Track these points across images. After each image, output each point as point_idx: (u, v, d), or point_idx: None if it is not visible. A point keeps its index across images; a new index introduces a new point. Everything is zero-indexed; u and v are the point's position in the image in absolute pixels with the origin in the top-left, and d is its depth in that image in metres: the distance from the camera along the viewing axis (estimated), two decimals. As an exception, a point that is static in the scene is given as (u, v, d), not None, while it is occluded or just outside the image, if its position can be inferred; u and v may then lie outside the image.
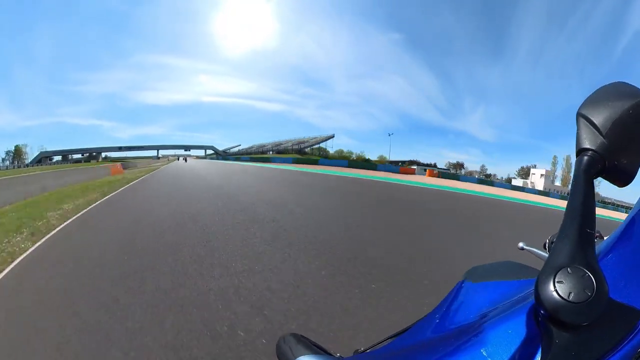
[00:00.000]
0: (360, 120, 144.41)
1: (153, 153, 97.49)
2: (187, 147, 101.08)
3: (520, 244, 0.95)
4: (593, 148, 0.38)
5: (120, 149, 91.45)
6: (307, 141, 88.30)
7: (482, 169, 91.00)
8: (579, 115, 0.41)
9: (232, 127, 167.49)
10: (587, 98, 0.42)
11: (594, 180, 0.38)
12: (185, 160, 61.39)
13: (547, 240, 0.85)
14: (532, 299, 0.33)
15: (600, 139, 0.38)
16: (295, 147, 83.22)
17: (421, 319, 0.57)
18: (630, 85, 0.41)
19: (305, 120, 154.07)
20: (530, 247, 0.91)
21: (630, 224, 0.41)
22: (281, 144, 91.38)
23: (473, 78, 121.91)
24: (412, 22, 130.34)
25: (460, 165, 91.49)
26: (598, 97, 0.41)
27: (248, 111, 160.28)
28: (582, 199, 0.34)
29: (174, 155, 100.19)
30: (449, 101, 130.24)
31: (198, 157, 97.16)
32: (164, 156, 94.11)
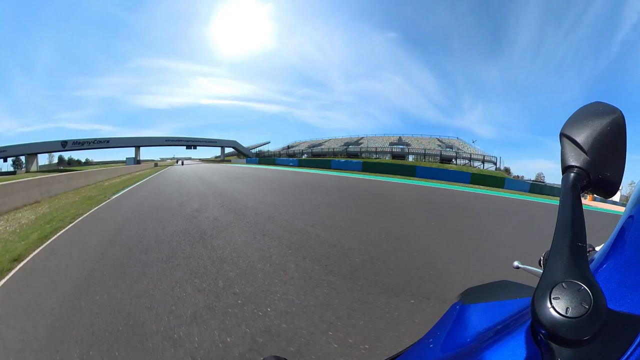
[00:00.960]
0: (360, 121, 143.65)
1: (129, 153, 59.71)
2: (191, 143, 64.63)
3: (516, 263, 0.93)
4: (578, 165, 0.41)
5: (64, 145, 52.05)
6: (356, 141, 62.01)
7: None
8: (562, 135, 0.44)
9: (232, 129, 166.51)
10: (568, 119, 0.45)
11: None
12: (182, 164, 48.42)
13: (542, 257, 0.82)
14: (529, 318, 0.31)
15: (583, 155, 0.41)
16: (342, 147, 58.68)
17: (415, 343, 0.56)
18: (606, 103, 0.45)
19: (304, 121, 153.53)
20: (526, 265, 0.91)
21: (621, 233, 0.43)
22: (320, 143, 66.87)
23: (471, 75, 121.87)
24: (408, 20, 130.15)
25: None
26: (578, 118, 0.44)
27: (247, 113, 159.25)
28: (572, 214, 0.35)
29: (173, 159, 76.38)
30: (448, 99, 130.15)
31: (208, 161, 74.18)
32: (149, 161, 59.29)
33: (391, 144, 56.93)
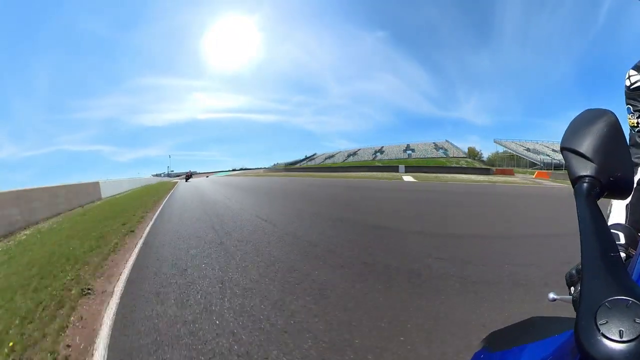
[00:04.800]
0: (356, 122, 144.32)
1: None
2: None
3: (551, 295, 0.72)
4: (586, 174, 0.41)
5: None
6: (380, 149, 67.47)
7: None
8: (563, 149, 0.44)
9: (230, 142, 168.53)
10: (564, 133, 0.46)
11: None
12: (187, 179, 37.17)
13: (566, 278, 0.66)
14: (576, 355, 0.26)
15: (589, 163, 0.41)
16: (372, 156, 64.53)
17: None
18: (596, 108, 0.46)
19: (301, 128, 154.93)
20: (563, 295, 0.72)
21: None
22: (355, 152, 70.96)
23: (463, 66, 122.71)
24: (394, 17, 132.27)
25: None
26: (574, 129, 0.45)
27: (244, 125, 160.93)
28: (594, 225, 0.33)
29: (181, 173, 58.50)
30: (443, 92, 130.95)
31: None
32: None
33: (404, 150, 66.55)
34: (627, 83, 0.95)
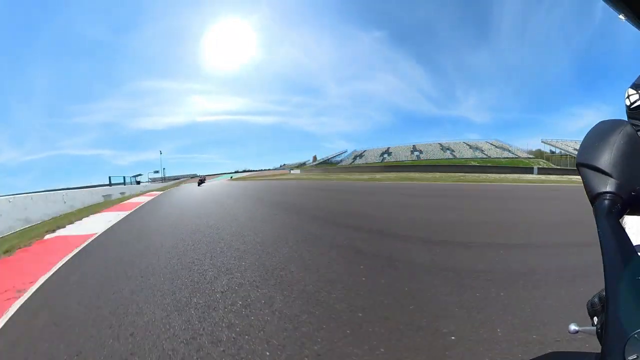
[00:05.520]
0: (355, 122, 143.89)
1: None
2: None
3: (572, 327, 0.63)
4: (606, 190, 0.37)
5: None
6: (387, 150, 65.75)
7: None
8: (580, 165, 0.41)
9: (229, 144, 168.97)
10: (579, 148, 0.43)
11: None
12: (200, 183, 34.71)
13: (588, 306, 0.57)
14: None
15: (608, 179, 0.38)
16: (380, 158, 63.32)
17: None
18: (610, 120, 0.45)
19: (301, 129, 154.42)
20: (586, 326, 0.62)
21: None
22: (360, 154, 67.86)
23: (462, 64, 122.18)
24: (392, 17, 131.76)
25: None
26: (589, 143, 0.42)
27: (243, 127, 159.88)
28: (618, 245, 0.30)
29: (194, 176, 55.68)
30: (442, 91, 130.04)
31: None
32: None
33: (411, 151, 65.14)
34: (627, 103, 0.93)
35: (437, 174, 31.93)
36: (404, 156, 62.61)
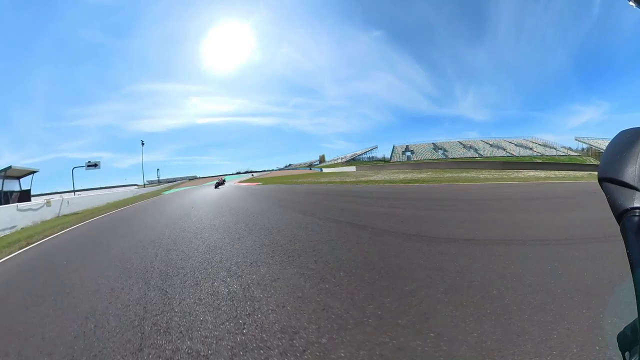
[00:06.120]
0: (354, 122, 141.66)
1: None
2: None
3: None
4: (634, 205, 0.35)
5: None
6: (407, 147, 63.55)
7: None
8: (603, 180, 0.38)
9: (229, 146, 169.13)
10: (601, 162, 0.40)
11: None
12: (217, 186, 32.56)
13: (619, 339, 0.47)
14: None
15: (636, 193, 0.35)
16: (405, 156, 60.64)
17: None
18: (631, 129, 0.40)
19: (300, 130, 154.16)
20: None
21: None
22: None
23: (460, 62, 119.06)
24: (389, 16, 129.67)
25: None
26: (611, 155, 0.39)
27: (242, 129, 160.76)
28: None
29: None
30: (440, 89, 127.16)
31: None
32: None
33: (433, 149, 63.30)
34: None
35: (494, 172, 26.00)
36: (428, 154, 60.90)
